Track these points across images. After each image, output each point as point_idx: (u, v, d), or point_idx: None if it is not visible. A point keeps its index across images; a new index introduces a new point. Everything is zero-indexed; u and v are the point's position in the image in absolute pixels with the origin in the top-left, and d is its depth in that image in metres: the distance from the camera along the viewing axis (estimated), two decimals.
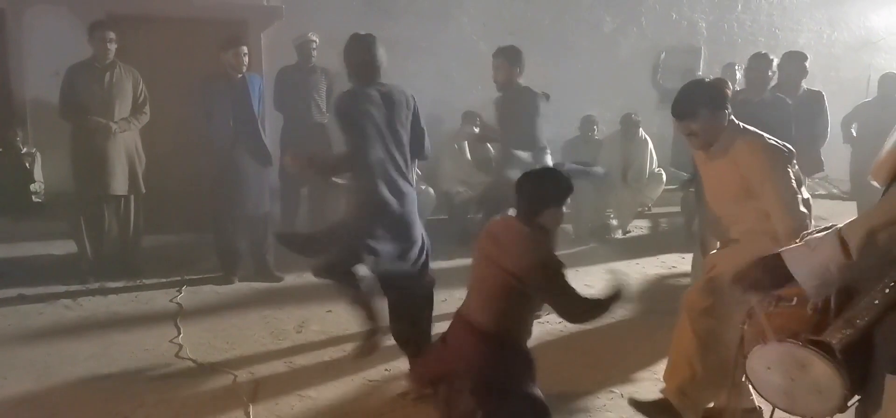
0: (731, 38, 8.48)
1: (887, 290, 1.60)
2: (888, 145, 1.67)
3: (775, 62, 4.85)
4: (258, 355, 3.77)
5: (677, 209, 7.02)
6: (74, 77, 4.97)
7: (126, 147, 5.08)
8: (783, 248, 1.75)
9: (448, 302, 4.74)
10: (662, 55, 7.67)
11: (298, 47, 5.83)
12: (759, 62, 4.74)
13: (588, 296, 2.35)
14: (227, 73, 4.92)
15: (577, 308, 2.30)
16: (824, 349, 1.69)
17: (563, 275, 2.27)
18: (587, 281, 5.19)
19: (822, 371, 1.69)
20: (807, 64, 5.03)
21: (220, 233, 5.16)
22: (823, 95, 5.24)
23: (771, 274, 1.74)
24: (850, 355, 1.68)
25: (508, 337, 2.35)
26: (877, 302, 1.62)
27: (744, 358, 1.94)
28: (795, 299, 1.89)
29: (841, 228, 1.63)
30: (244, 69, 4.99)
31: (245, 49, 4.97)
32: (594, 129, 7.06)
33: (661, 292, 4.96)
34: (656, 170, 6.97)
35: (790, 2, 8.85)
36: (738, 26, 8.63)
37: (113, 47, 5.02)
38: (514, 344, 2.37)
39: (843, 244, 1.59)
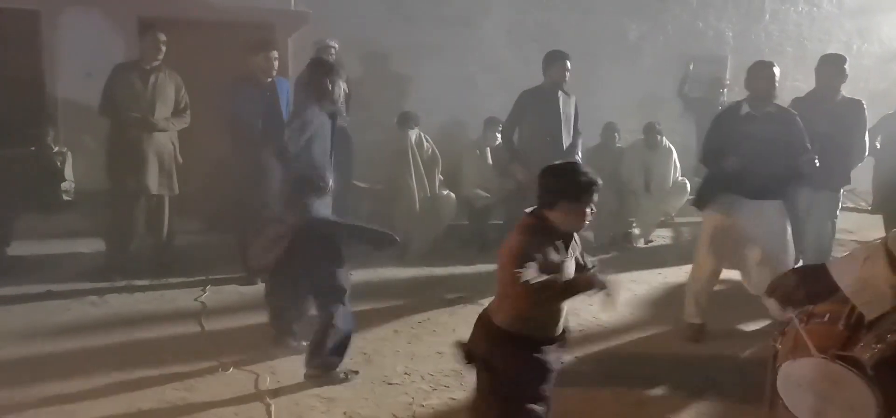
0: (758, 48, 8.39)
1: None
2: None
3: (846, 63, 4.73)
4: (280, 355, 3.81)
5: (700, 219, 6.96)
6: (120, 75, 5.04)
7: (163, 147, 5.15)
8: (830, 262, 1.65)
9: (468, 307, 4.77)
10: (690, 66, 7.63)
11: (317, 51, 5.89)
12: (831, 63, 4.70)
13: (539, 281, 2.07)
14: (256, 77, 4.98)
15: (530, 288, 2.04)
16: (854, 364, 1.64)
17: (521, 269, 2.05)
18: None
19: (854, 387, 1.63)
20: (846, 67, 4.76)
21: (244, 235, 5.21)
22: (863, 104, 4.85)
23: (811, 284, 1.64)
24: (885, 373, 1.62)
25: (512, 332, 2.19)
26: None
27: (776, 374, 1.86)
28: (828, 316, 1.84)
29: (887, 239, 1.54)
30: (274, 73, 5.05)
31: (275, 53, 5.03)
32: (616, 137, 7.03)
33: (680, 300, 4.92)
34: (680, 179, 6.92)
35: (819, 12, 8.75)
36: (766, 36, 8.55)
37: (164, 49, 5.11)
38: (519, 342, 2.20)
39: (891, 256, 1.51)
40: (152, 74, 5.09)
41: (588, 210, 2.18)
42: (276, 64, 5.05)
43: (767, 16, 8.56)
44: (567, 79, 5.48)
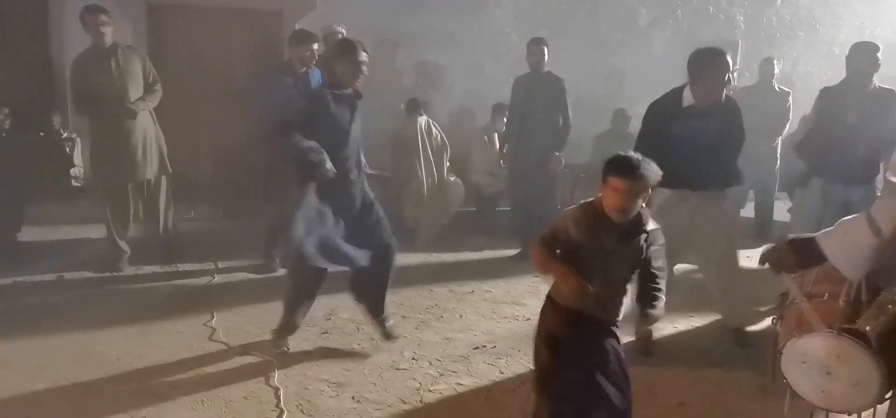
0: (769, 33, 8.31)
1: None
2: None
3: (879, 51, 4.44)
4: (289, 341, 3.82)
5: None
6: (81, 68, 4.84)
7: (145, 130, 4.99)
8: (818, 233, 1.77)
9: (475, 293, 4.77)
10: None
11: (324, 38, 5.89)
12: (863, 51, 4.42)
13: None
14: (292, 67, 4.99)
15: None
16: (858, 337, 1.67)
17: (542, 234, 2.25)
18: None
19: (859, 360, 1.65)
20: (879, 55, 4.45)
21: (273, 224, 5.14)
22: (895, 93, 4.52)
23: (801, 254, 1.77)
24: (886, 345, 1.66)
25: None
26: None
27: (779, 356, 1.89)
28: (827, 295, 1.86)
29: (870, 210, 1.66)
30: (313, 64, 5.05)
31: (317, 46, 5.01)
32: (628, 124, 6.98)
33: (686, 287, 4.92)
34: None
35: None
36: (778, 20, 8.46)
37: (108, 30, 4.85)
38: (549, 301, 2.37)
39: (873, 222, 1.63)
40: (111, 57, 4.84)
41: (616, 189, 2.08)
42: (316, 56, 5.05)
43: (779, 0, 8.46)
44: (542, 63, 5.52)
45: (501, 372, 3.48)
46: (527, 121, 5.62)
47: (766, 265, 1.86)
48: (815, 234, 1.76)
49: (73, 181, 5.78)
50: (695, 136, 3.59)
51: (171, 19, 6.39)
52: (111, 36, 4.89)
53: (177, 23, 6.42)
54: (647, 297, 2.18)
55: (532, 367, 2.45)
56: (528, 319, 4.28)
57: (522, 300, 4.66)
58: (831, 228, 1.75)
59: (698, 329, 4.18)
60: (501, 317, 4.32)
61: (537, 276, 5.10)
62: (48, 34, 6.06)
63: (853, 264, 1.68)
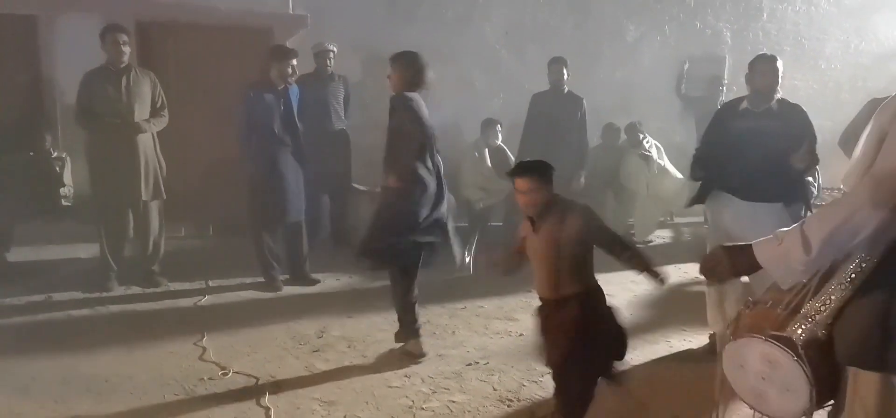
0: (755, 48, 8.38)
1: (842, 286, 1.65)
2: (855, 154, 1.71)
3: None
4: (279, 359, 3.81)
5: (699, 219, 6.95)
6: (91, 83, 4.89)
7: (145, 152, 5.00)
8: (755, 241, 1.81)
9: (467, 309, 4.77)
10: (686, 65, 7.63)
11: (316, 55, 5.91)
12: None
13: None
14: (272, 82, 5.00)
15: None
16: (786, 343, 1.71)
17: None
18: (607, 290, 5.15)
19: (786, 365, 1.69)
20: None
21: (261, 242, 5.15)
22: None
23: (736, 261, 1.82)
24: (815, 353, 1.69)
25: None
26: (833, 297, 1.66)
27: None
28: (770, 302, 1.94)
29: (804, 224, 1.69)
30: (292, 80, 5.08)
31: (295, 61, 5.05)
32: (618, 137, 7.03)
33: (680, 301, 4.94)
34: (678, 176, 6.86)
35: (817, 11, 8.75)
36: (764, 35, 8.56)
37: (127, 49, 4.93)
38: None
39: (805, 239, 1.65)
40: (124, 76, 4.90)
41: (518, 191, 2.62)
42: (296, 72, 5.09)
43: (765, 15, 8.56)
44: (563, 81, 5.64)
45: (494, 389, 3.48)
46: (548, 139, 5.66)
47: (703, 274, 1.90)
48: (752, 242, 1.79)
49: (62, 200, 5.75)
50: (740, 141, 3.66)
51: (161, 37, 6.39)
52: (128, 56, 4.97)
53: (166, 41, 6.42)
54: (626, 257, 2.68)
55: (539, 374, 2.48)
56: (521, 335, 4.28)
57: (515, 315, 4.66)
58: (768, 237, 1.79)
59: (693, 344, 4.19)
60: (494, 333, 4.32)
61: (530, 290, 5.11)
62: (38, 53, 6.05)
63: (783, 273, 1.72)
